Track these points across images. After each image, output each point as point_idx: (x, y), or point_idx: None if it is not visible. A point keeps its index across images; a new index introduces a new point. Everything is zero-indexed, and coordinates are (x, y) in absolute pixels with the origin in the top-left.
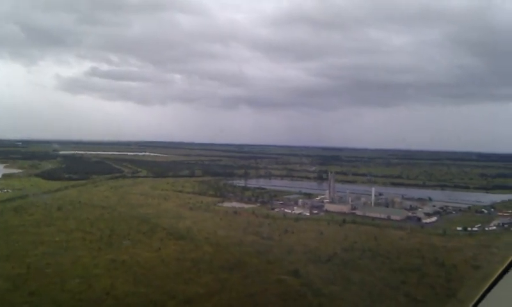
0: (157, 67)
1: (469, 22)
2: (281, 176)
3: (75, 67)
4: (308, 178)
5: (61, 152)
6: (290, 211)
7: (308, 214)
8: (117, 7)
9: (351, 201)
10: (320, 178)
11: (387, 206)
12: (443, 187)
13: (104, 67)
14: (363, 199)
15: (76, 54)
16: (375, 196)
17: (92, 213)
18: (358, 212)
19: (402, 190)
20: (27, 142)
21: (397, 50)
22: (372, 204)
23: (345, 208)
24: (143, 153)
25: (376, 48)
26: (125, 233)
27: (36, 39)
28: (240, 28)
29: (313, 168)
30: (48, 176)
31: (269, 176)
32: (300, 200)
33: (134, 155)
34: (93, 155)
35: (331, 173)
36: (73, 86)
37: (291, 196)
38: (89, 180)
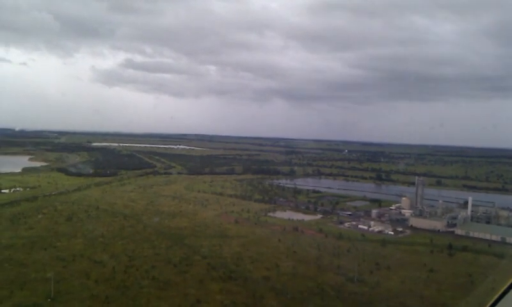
0: (191, 58)
1: None
2: (332, 175)
3: (110, 59)
4: (363, 178)
5: (93, 144)
6: (366, 228)
7: (391, 233)
8: None
9: (443, 215)
10: (379, 178)
11: (489, 221)
12: None
13: (138, 59)
14: (456, 211)
15: (110, 45)
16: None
17: (109, 226)
18: (459, 231)
19: (485, 196)
20: (62, 134)
21: (441, 39)
22: (469, 218)
23: (438, 225)
24: (177, 146)
25: (418, 37)
26: (148, 266)
27: (71, 30)
28: (276, 16)
29: (365, 166)
30: (73, 170)
31: (317, 174)
32: (374, 211)
33: (168, 148)
34: (125, 148)
35: (419, 178)
36: (108, 78)
37: (356, 203)
38: (116, 176)
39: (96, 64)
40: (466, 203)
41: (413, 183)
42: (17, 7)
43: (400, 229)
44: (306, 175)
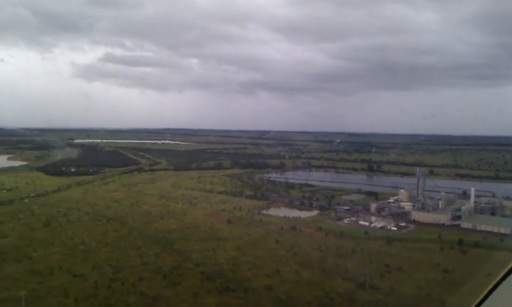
0: (173, 52)
1: None
2: (323, 168)
3: (90, 53)
4: (354, 169)
5: (76, 141)
6: (367, 223)
7: (394, 229)
8: None
9: (445, 207)
10: (371, 169)
11: (494, 212)
12: None
13: (118, 52)
14: (458, 202)
15: (90, 39)
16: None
17: (91, 232)
18: (465, 224)
19: (481, 185)
20: (43, 131)
21: (423, 28)
22: (472, 209)
23: (442, 218)
24: (162, 141)
25: (400, 26)
26: (135, 278)
27: (49, 25)
28: (259, 7)
29: (354, 157)
30: (53, 169)
31: (308, 167)
32: (373, 205)
33: (152, 143)
34: (108, 144)
35: (420, 169)
36: (88, 72)
37: (352, 197)
38: (99, 174)
39: (76, 59)
40: (464, 193)
41: (405, 174)
42: None
43: (402, 224)
44: (296, 168)
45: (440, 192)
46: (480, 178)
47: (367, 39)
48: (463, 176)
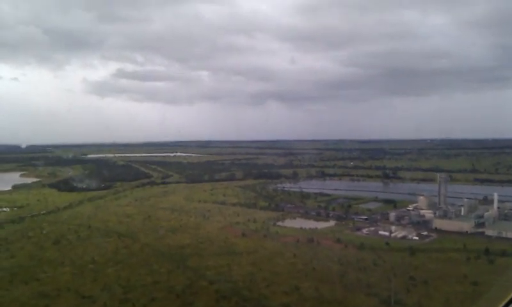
0: (183, 65)
1: None
2: (337, 176)
3: (101, 70)
4: (369, 176)
5: (88, 156)
6: (387, 233)
7: (416, 238)
8: (136, 1)
9: (468, 214)
10: (386, 176)
11: None
12: None
13: (129, 68)
14: (481, 209)
15: (101, 55)
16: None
17: (101, 249)
18: (490, 232)
19: (502, 190)
20: (57, 147)
21: (434, 32)
22: (496, 216)
23: (465, 226)
24: (174, 154)
25: (410, 31)
26: (147, 298)
27: (60, 43)
28: (266, 18)
29: (367, 164)
30: (65, 186)
31: (321, 176)
32: (392, 214)
33: (164, 156)
34: (120, 158)
35: (441, 175)
36: (100, 89)
37: (369, 205)
38: (111, 189)
39: (87, 75)
40: (485, 198)
41: (422, 180)
42: (3, 22)
43: (424, 233)
44: (310, 177)
45: (460, 198)
46: (501, 182)
47: (377, 46)
48: (482, 181)
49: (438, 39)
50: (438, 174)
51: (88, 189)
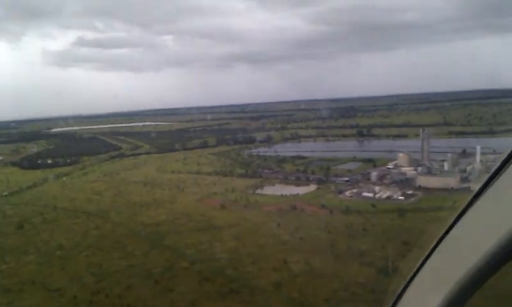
0: (145, 30)
1: None
2: (312, 137)
3: (61, 39)
4: (344, 136)
5: (53, 130)
6: (371, 195)
7: (402, 198)
8: None
9: (452, 168)
10: (361, 134)
11: None
12: None
13: (90, 36)
14: (462, 163)
15: (59, 24)
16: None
17: (70, 232)
18: (475, 186)
19: (478, 141)
20: (20, 123)
21: None
22: (480, 168)
23: (451, 182)
24: (143, 123)
25: None
26: (122, 287)
27: (15, 12)
28: None
29: (340, 123)
30: (29, 163)
31: (296, 138)
32: (373, 174)
33: (132, 126)
34: (87, 131)
35: (424, 130)
36: (61, 59)
37: (349, 166)
38: (78, 164)
39: (46, 46)
40: (464, 151)
41: (397, 136)
42: None
43: (409, 191)
44: (285, 140)
45: (438, 153)
46: (475, 134)
47: (342, 1)
48: (457, 134)
49: None
50: (421, 130)
51: (53, 165)
